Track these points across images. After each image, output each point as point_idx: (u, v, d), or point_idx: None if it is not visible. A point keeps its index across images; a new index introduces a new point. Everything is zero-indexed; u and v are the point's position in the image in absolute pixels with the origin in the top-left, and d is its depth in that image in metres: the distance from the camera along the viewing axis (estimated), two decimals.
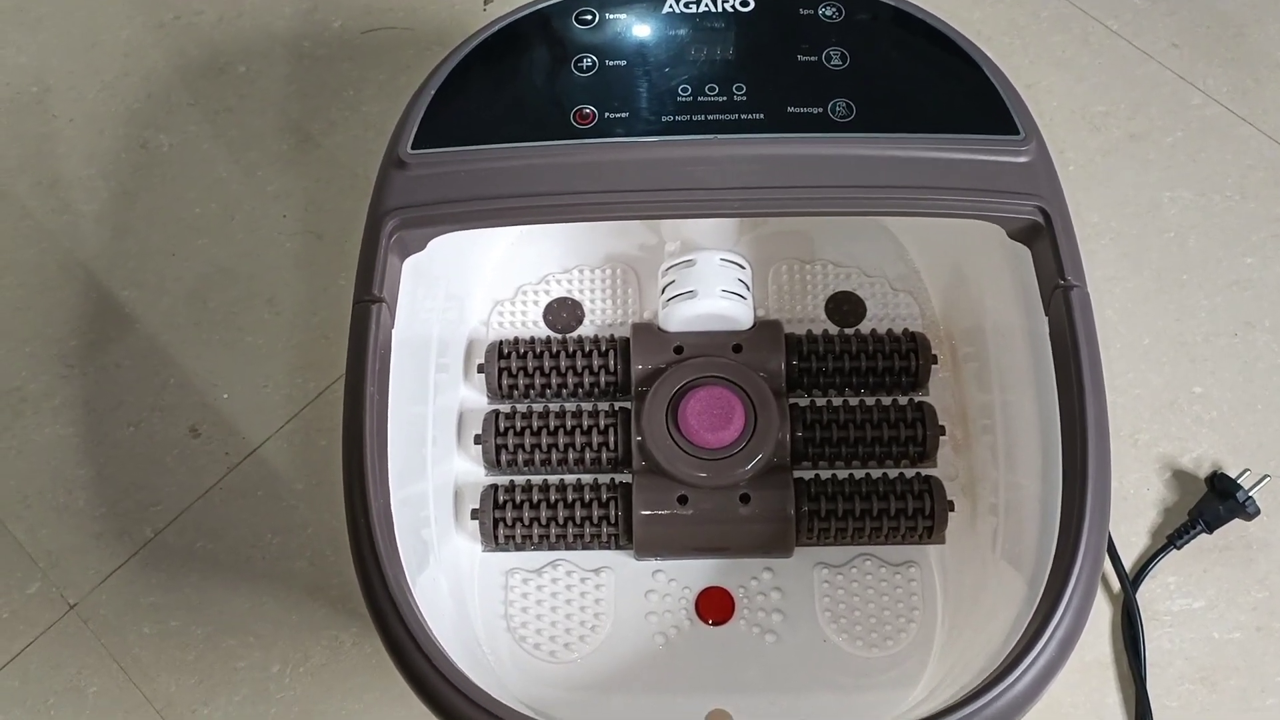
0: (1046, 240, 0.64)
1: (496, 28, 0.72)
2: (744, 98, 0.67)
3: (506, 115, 0.68)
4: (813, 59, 0.68)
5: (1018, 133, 0.66)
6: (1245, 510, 0.82)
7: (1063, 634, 0.56)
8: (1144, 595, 0.82)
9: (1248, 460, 0.85)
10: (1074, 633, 0.57)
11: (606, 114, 0.67)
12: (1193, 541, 0.83)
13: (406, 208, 0.65)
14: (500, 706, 0.55)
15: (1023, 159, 0.66)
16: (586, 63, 0.70)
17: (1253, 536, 0.84)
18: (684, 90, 0.68)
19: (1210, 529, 0.82)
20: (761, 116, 0.67)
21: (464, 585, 0.75)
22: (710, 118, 0.67)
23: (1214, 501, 0.83)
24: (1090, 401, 0.60)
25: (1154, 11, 1.04)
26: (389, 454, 0.63)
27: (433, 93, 0.68)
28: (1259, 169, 0.96)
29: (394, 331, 0.66)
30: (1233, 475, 0.83)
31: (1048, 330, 0.64)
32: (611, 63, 0.69)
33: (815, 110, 0.67)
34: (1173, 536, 0.83)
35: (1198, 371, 0.89)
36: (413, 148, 0.67)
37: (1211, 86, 1.00)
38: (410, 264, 0.68)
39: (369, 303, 0.64)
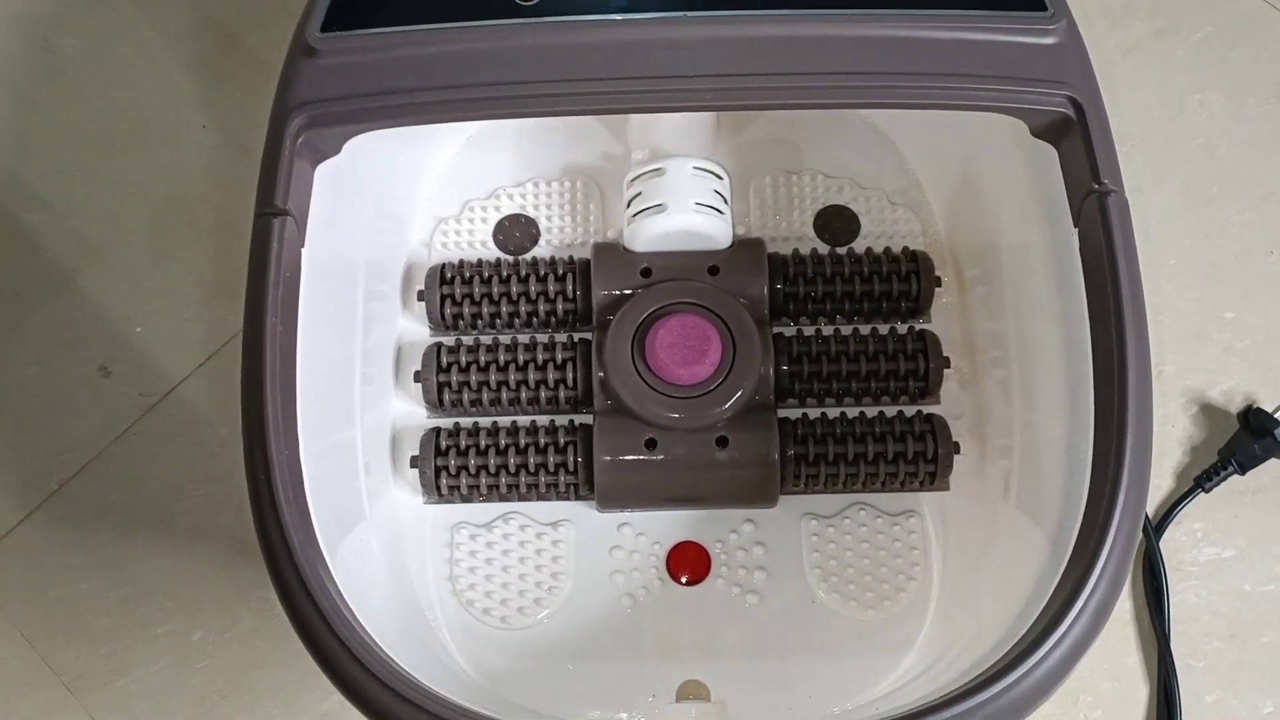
0: (1077, 138, 0.55)
1: None
2: None
3: None
4: None
5: (1044, 8, 0.57)
6: None
7: (1097, 603, 0.49)
8: (1168, 544, 0.75)
9: None
10: (1109, 600, 0.50)
11: None
12: (1223, 484, 0.76)
13: (315, 103, 0.56)
14: (425, 695, 0.46)
15: (1050, 40, 0.57)
16: None
17: None
18: None
19: (1243, 470, 0.75)
20: None
21: (403, 543, 0.67)
22: None
23: (1247, 439, 0.75)
24: (1131, 329, 0.52)
25: None
26: (305, 397, 0.55)
27: None
28: None
29: (305, 251, 0.57)
30: (1269, 409, 0.75)
31: (1077, 245, 0.55)
32: None
33: None
34: (1200, 478, 0.75)
35: (1229, 295, 0.81)
36: (323, 30, 0.58)
37: None
38: (325, 171, 0.59)
39: (271, 216, 0.55)
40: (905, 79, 0.55)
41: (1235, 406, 0.78)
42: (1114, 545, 0.49)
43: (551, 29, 0.56)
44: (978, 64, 0.55)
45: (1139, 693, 0.72)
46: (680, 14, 0.56)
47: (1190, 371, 0.79)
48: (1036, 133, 0.58)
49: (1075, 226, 0.56)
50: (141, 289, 0.83)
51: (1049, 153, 0.58)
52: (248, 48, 0.90)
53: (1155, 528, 0.75)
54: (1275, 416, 0.75)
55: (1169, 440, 0.77)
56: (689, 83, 0.55)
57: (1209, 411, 0.78)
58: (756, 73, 0.55)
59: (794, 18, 0.56)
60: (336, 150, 0.58)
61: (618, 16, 0.56)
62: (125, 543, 0.77)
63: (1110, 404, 0.52)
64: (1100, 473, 0.51)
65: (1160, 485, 0.76)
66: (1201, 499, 0.75)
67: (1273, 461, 0.75)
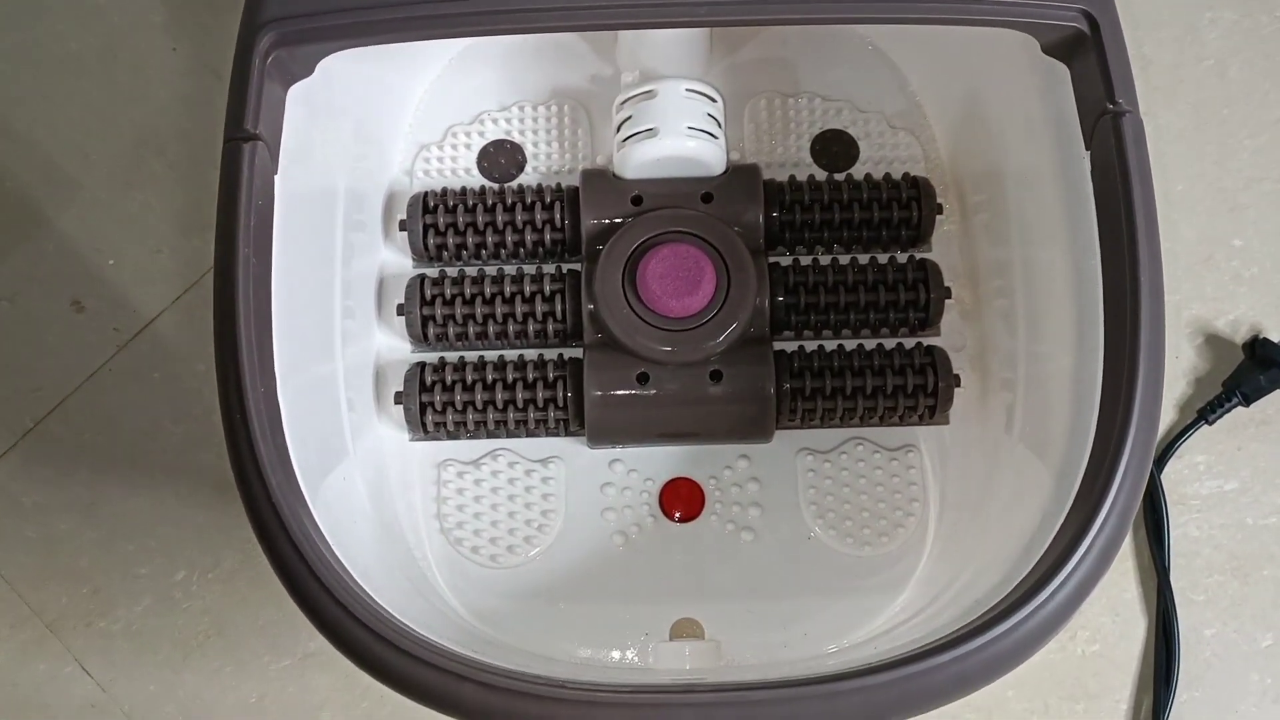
0: (1091, 55, 0.53)
1: None
2: None
3: None
4: None
5: None
6: None
7: (1104, 542, 0.47)
8: (1169, 476, 0.73)
9: None
10: (1116, 540, 0.48)
11: None
12: (1227, 415, 0.74)
13: (285, 19, 0.53)
14: (406, 637, 0.45)
15: None
16: None
17: None
18: None
19: (1247, 401, 0.73)
20: None
21: (388, 481, 0.65)
22: None
23: (1253, 370, 0.73)
24: (1145, 258, 0.50)
25: None
26: (282, 330, 0.53)
27: None
28: None
29: (279, 179, 0.54)
30: (1275, 340, 0.73)
31: (1088, 168, 0.53)
32: None
33: None
34: (1204, 410, 0.74)
35: (1238, 222, 0.78)
36: None
37: None
38: (298, 93, 0.56)
39: (240, 140, 0.52)
40: None
41: (1241, 337, 0.76)
42: (1122, 483, 0.47)
43: None
44: None
45: (1138, 627, 0.71)
46: None
47: (1196, 300, 0.77)
48: (1047, 49, 0.55)
49: (1087, 149, 0.53)
50: (113, 221, 0.80)
51: (1060, 71, 0.55)
52: None
53: (1157, 460, 0.73)
54: None
55: (1173, 371, 0.75)
56: None
57: (1214, 342, 0.76)
58: None
59: None
60: (309, 71, 0.55)
61: None
62: (103, 482, 0.75)
63: (1121, 337, 0.49)
64: (1110, 408, 0.49)
65: (1164, 417, 0.75)
66: (1205, 431, 0.74)
67: (1277, 393, 0.73)
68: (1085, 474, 0.49)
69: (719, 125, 0.66)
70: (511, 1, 0.51)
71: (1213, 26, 0.83)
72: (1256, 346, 0.74)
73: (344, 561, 0.50)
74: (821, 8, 0.52)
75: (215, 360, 0.50)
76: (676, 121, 0.64)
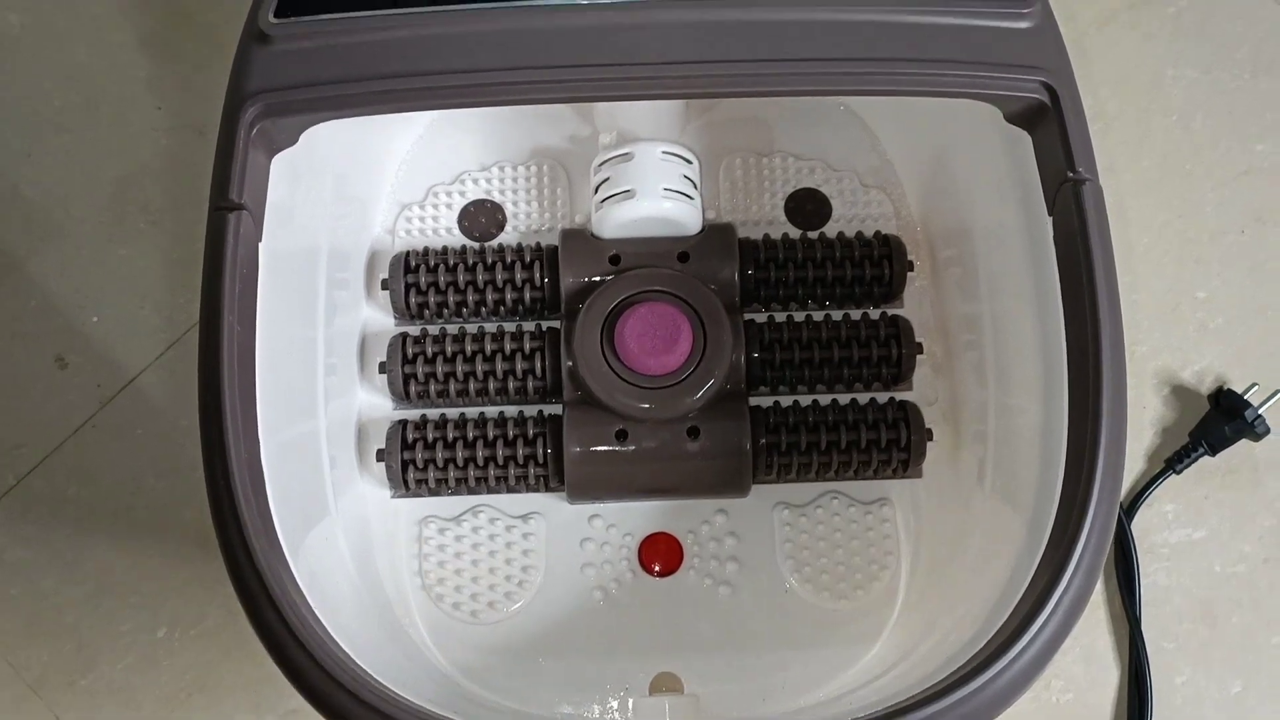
0: (1052, 124, 0.54)
1: None
2: None
3: None
4: None
5: None
6: (1254, 430, 0.74)
7: (1075, 592, 0.49)
8: (1139, 525, 0.74)
9: (1254, 373, 0.77)
10: (1086, 589, 0.50)
11: None
12: (1194, 465, 0.75)
13: (270, 91, 0.54)
14: (385, 699, 0.45)
15: (1025, 24, 0.55)
16: None
17: (1260, 458, 0.76)
18: None
19: (1214, 451, 0.75)
20: None
21: (370, 538, 0.66)
22: None
23: (1218, 420, 0.75)
24: (1106, 319, 0.51)
25: None
26: (266, 389, 0.54)
27: None
28: (1273, 41, 0.86)
29: (265, 244, 0.55)
30: (1239, 391, 0.75)
31: (1051, 232, 0.54)
32: None
33: None
34: (1172, 460, 0.75)
35: (1203, 273, 0.80)
36: (276, 16, 0.56)
37: None
38: (283, 161, 0.57)
39: (226, 210, 0.53)
40: (877, 65, 0.53)
41: (1207, 387, 0.77)
42: (1088, 540, 0.48)
43: (514, 13, 0.54)
44: (951, 49, 0.54)
45: (1110, 675, 0.72)
46: None
47: (1163, 351, 0.78)
48: (1011, 118, 0.56)
49: (1050, 214, 0.55)
50: (97, 276, 0.81)
51: (1023, 138, 0.57)
52: (201, 25, 0.87)
53: (1127, 510, 0.74)
54: (1245, 398, 0.74)
55: (1141, 422, 0.77)
56: (656, 70, 0.53)
57: (1180, 393, 0.77)
58: (725, 59, 0.53)
59: (763, 2, 0.54)
60: (293, 140, 0.56)
61: (582, 1, 0.54)
62: (85, 538, 0.75)
63: (1085, 395, 0.51)
64: (1075, 467, 0.50)
65: (1132, 467, 0.76)
66: (1173, 480, 0.75)
67: (1243, 443, 0.75)
68: (1053, 527, 0.50)
69: (694, 186, 0.68)
70: (492, 75, 0.53)
71: (1176, 83, 0.85)
72: (1221, 398, 0.75)
73: (324, 621, 0.51)
74: (793, 80, 0.53)
75: (200, 428, 0.50)
76: (653, 183, 0.66)
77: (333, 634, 0.50)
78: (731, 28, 0.54)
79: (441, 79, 0.53)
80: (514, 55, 0.54)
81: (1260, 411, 0.74)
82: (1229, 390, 0.76)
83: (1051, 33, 0.56)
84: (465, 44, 0.54)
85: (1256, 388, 0.75)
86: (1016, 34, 0.55)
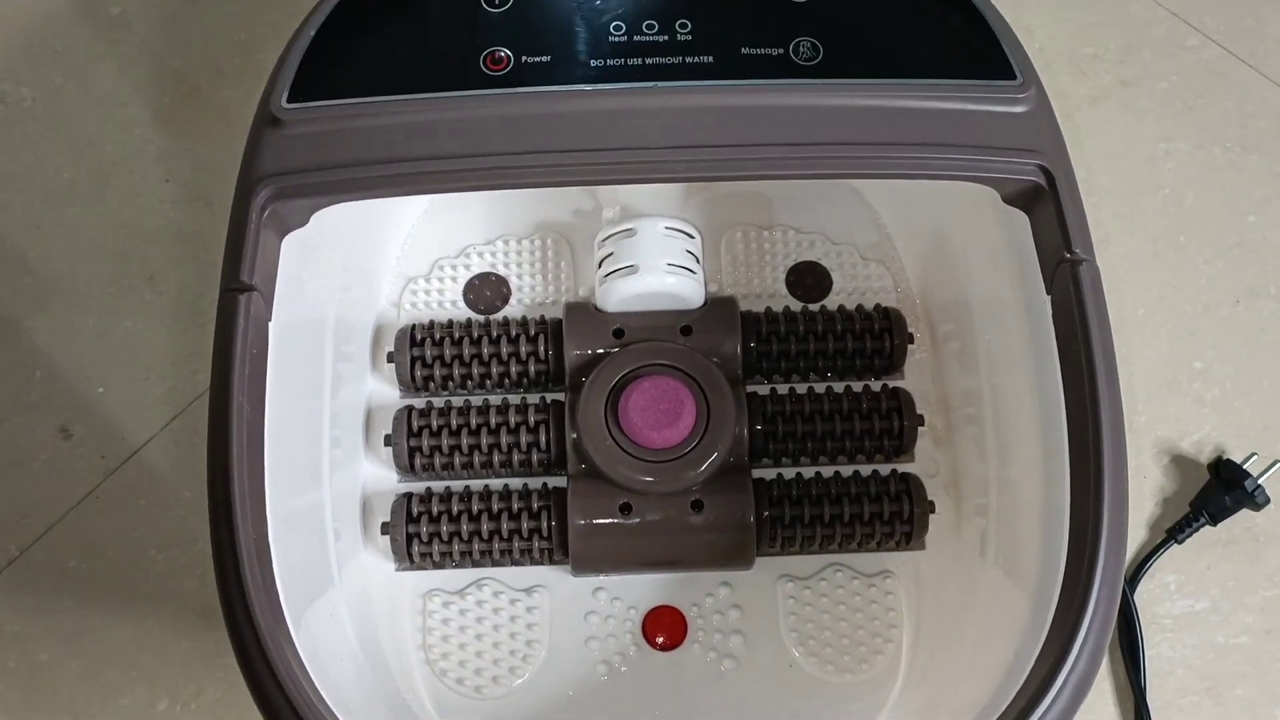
0: (1049, 206, 0.55)
1: None
2: (689, 37, 0.58)
3: (403, 60, 0.57)
4: None
5: (1014, 77, 0.57)
6: (1254, 500, 0.74)
7: (1081, 672, 0.48)
8: (1142, 596, 0.74)
9: (1253, 443, 0.78)
10: (1092, 669, 0.49)
11: (524, 58, 0.57)
12: (1195, 535, 0.75)
13: (282, 174, 0.55)
14: None
15: (1020, 108, 0.56)
16: None
17: (1260, 529, 0.76)
18: (617, 29, 0.58)
19: (1214, 521, 0.75)
20: (710, 60, 0.57)
21: (373, 611, 0.65)
22: (649, 62, 0.57)
23: (1218, 490, 0.75)
24: (1105, 397, 0.51)
25: None
26: (272, 462, 0.54)
27: (313, 33, 0.57)
28: (1262, 117, 0.88)
29: (274, 321, 0.55)
30: (1238, 460, 0.75)
31: (1050, 310, 0.55)
32: None
33: (775, 52, 0.57)
34: (1173, 530, 0.75)
35: (1197, 345, 0.81)
36: (289, 101, 0.56)
37: (1208, 25, 0.91)
38: (294, 240, 0.57)
39: (237, 292, 0.53)
40: (877, 149, 0.55)
41: (1206, 457, 0.78)
42: (1093, 621, 0.48)
43: (521, 99, 0.55)
44: (948, 133, 0.55)
45: None
46: (651, 84, 0.56)
47: (1161, 422, 0.79)
48: (1008, 200, 0.57)
49: (1048, 293, 0.56)
50: (103, 347, 0.81)
51: (1021, 219, 0.58)
52: (211, 100, 0.89)
53: (1130, 580, 0.75)
54: (1244, 468, 0.75)
55: (1142, 492, 0.77)
56: (661, 154, 0.54)
57: (1180, 462, 0.78)
58: (727, 143, 0.55)
59: (765, 88, 0.56)
60: (304, 222, 0.57)
61: (588, 88, 0.56)
62: (85, 610, 0.75)
63: (1086, 477, 0.51)
64: (1078, 546, 0.50)
65: (1134, 537, 0.76)
66: (1174, 550, 0.75)
67: (1244, 512, 0.75)
68: (1058, 607, 0.50)
69: (697, 261, 0.69)
70: (500, 159, 0.54)
71: (1168, 157, 0.87)
72: (1221, 468, 0.76)
73: (326, 696, 0.50)
74: (795, 165, 0.54)
75: (209, 510, 0.50)
76: (656, 259, 0.67)
77: (334, 710, 0.50)
78: (735, 113, 0.55)
79: (450, 163, 0.54)
80: (521, 140, 0.55)
81: (1260, 481, 0.74)
82: (1228, 460, 0.76)
83: (1046, 115, 0.57)
84: (471, 129, 0.55)
85: (1255, 457, 0.76)
86: (1014, 118, 0.56)
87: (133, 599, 0.75)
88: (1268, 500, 0.74)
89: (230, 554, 0.49)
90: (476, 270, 0.73)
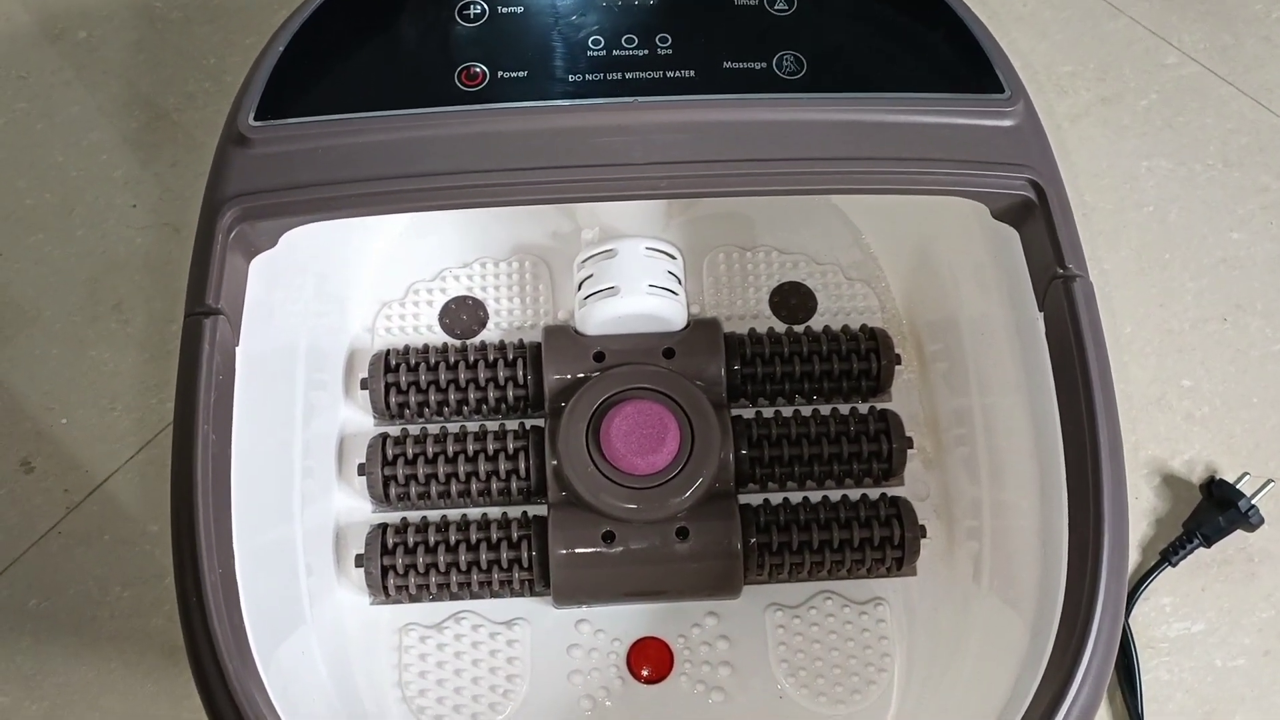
0: (1040, 221, 0.54)
1: None
2: (669, 51, 0.56)
3: (374, 77, 0.56)
4: (753, 3, 0.57)
5: (1002, 90, 0.56)
6: (1248, 520, 0.73)
7: (1083, 704, 0.46)
8: (1137, 619, 0.73)
9: (1244, 462, 0.76)
10: (1094, 700, 0.47)
11: (500, 73, 0.56)
12: (1189, 557, 0.74)
13: (249, 194, 0.53)
14: None
15: (1009, 122, 0.55)
16: (474, 10, 0.58)
17: (1255, 549, 0.75)
18: (595, 43, 0.57)
19: (1208, 542, 0.74)
20: (692, 74, 0.56)
21: (347, 647, 0.63)
22: (629, 76, 0.56)
23: (1212, 511, 0.74)
24: (1102, 417, 0.50)
25: None
26: (241, 495, 0.52)
27: (281, 49, 0.56)
28: (1242, 133, 0.87)
29: (242, 347, 0.53)
30: (1230, 480, 0.74)
31: (1042, 328, 0.54)
32: (505, 9, 0.58)
33: (757, 66, 0.56)
34: (1166, 552, 0.74)
35: (1186, 362, 0.80)
36: (256, 119, 0.55)
37: (1187, 43, 0.91)
38: (262, 262, 0.55)
39: (201, 316, 0.51)
40: (862, 164, 0.54)
41: (1197, 476, 0.77)
42: (1095, 647, 0.47)
43: (496, 116, 0.54)
44: (936, 148, 0.54)
45: None
46: (630, 99, 0.54)
47: (1151, 441, 0.78)
48: (997, 215, 0.56)
49: (1040, 310, 0.55)
50: (67, 377, 0.79)
51: (1010, 235, 0.56)
52: (178, 125, 0.87)
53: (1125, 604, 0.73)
54: (1238, 488, 0.74)
55: (1133, 512, 0.76)
56: (641, 171, 0.53)
57: (1171, 482, 0.77)
58: (709, 159, 0.53)
59: (747, 103, 0.54)
60: (273, 244, 0.55)
61: (565, 103, 0.54)
62: (46, 651, 0.72)
63: (1084, 492, 0.50)
64: (1078, 570, 0.49)
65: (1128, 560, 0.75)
66: (1169, 573, 0.74)
67: (1238, 533, 0.74)
68: (1058, 632, 0.49)
69: (679, 282, 0.67)
70: (474, 178, 0.52)
71: (1150, 175, 0.86)
72: (1213, 488, 0.75)
73: None
74: (778, 180, 0.53)
75: (172, 543, 0.48)
76: (637, 280, 0.65)
77: None
78: (718, 128, 0.54)
79: (423, 181, 0.52)
80: (495, 157, 0.54)
81: (1254, 502, 0.73)
82: (1221, 480, 0.75)
83: (1035, 129, 0.56)
84: (446, 147, 0.54)
85: (1248, 477, 0.74)
86: (1002, 131, 0.55)
87: (96, 639, 0.72)
88: (1262, 520, 0.73)
89: (194, 589, 0.47)
90: (453, 294, 0.72)
